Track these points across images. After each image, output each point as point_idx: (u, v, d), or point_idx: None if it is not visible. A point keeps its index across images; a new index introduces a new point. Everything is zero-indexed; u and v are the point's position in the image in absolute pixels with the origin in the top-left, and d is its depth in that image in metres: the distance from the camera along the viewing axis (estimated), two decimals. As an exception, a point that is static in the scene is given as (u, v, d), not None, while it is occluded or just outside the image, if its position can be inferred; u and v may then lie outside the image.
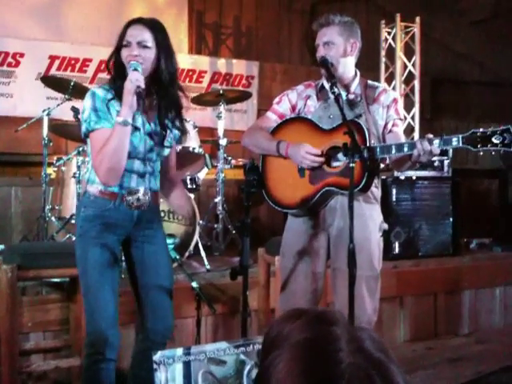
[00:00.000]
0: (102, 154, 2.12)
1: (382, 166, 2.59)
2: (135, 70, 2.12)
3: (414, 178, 4.52)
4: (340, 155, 2.39)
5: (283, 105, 2.60)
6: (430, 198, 4.55)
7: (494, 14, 6.90)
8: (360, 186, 2.31)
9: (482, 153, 2.19)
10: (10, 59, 5.12)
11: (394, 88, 5.45)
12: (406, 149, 2.27)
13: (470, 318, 4.51)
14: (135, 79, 2.09)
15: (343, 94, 2.51)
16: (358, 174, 2.27)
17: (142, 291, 2.36)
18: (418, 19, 5.46)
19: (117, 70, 2.23)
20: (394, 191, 4.41)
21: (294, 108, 2.59)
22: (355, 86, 2.54)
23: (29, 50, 5.19)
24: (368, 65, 6.54)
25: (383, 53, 5.50)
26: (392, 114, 2.52)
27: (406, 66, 5.51)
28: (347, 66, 2.52)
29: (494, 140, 2.14)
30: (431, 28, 6.58)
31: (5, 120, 5.01)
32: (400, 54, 5.45)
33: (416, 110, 5.48)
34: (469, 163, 7.15)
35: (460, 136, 2.19)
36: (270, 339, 0.84)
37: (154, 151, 2.29)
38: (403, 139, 2.51)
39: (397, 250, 4.40)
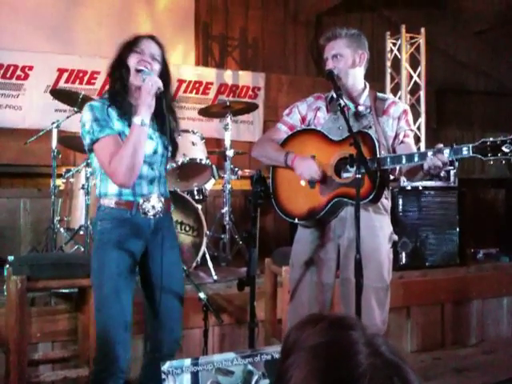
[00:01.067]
0: (119, 156, 2.14)
1: (392, 177, 2.60)
2: (148, 76, 2.20)
3: (420, 188, 4.53)
4: (350, 166, 2.38)
5: (293, 116, 2.62)
6: (436, 208, 4.56)
7: (497, 24, 6.92)
8: (370, 197, 2.32)
9: (492, 162, 2.19)
10: (19, 72, 5.18)
11: (399, 99, 5.47)
12: (416, 159, 2.28)
13: (477, 328, 4.50)
14: (155, 81, 2.17)
15: (352, 105, 2.54)
16: (368, 185, 2.29)
17: (152, 303, 2.36)
18: (423, 30, 5.49)
19: (118, 78, 2.27)
20: (400, 201, 4.42)
21: (304, 119, 2.60)
22: (364, 98, 2.55)
23: (37, 63, 5.24)
24: (373, 75, 6.54)
25: (389, 63, 5.53)
26: (403, 126, 2.54)
27: (411, 77, 5.53)
28: (356, 78, 2.55)
29: (504, 149, 2.15)
30: (435, 38, 6.61)
31: (14, 132, 5.05)
32: (405, 65, 5.48)
33: (422, 120, 5.50)
34: (475, 173, 7.15)
35: (470, 145, 2.20)
36: (289, 343, 0.85)
37: (157, 153, 2.31)
38: (415, 150, 2.52)
39: (403, 261, 4.40)
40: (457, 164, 4.68)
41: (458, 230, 4.57)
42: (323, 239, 2.51)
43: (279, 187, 2.60)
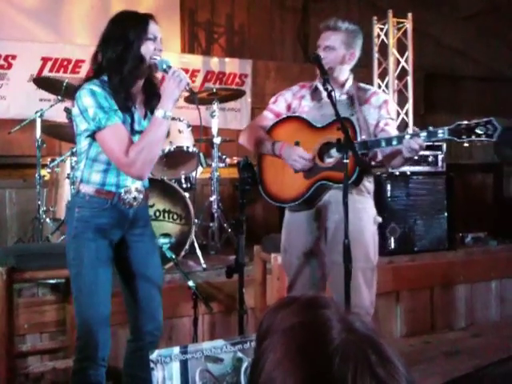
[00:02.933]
0: (139, 148, 2.09)
1: (373, 163, 2.67)
2: (169, 66, 2.14)
3: (408, 173, 4.53)
4: (333, 151, 2.49)
5: (279, 104, 2.70)
6: (424, 193, 4.56)
7: (486, 9, 6.91)
8: (352, 179, 2.39)
9: (466, 144, 2.34)
10: (1, 61, 5.10)
11: (387, 84, 5.46)
12: (394, 142, 2.37)
13: (467, 311, 4.53)
14: (184, 76, 2.13)
15: (336, 94, 2.54)
16: (350, 168, 2.35)
17: (132, 291, 2.34)
18: (410, 15, 5.46)
19: (126, 66, 2.13)
20: (388, 187, 4.42)
21: (289, 107, 2.68)
22: (347, 88, 2.64)
23: (21, 52, 5.16)
24: (361, 61, 6.57)
25: (376, 49, 5.50)
26: (383, 114, 2.62)
27: (398, 62, 5.51)
28: (342, 72, 2.63)
29: (478, 131, 2.26)
30: (424, 23, 6.59)
31: (-3, 122, 4.99)
32: (393, 50, 5.46)
33: (409, 105, 5.49)
34: (463, 158, 7.17)
35: (446, 128, 2.30)
36: (264, 327, 0.85)
37: None
38: None
39: (392, 246, 4.41)
40: (444, 148, 4.73)
41: (446, 214, 4.59)
42: (311, 222, 2.59)
43: (265, 172, 2.67)
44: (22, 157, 4.92)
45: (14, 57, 5.13)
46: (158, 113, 2.11)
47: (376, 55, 5.51)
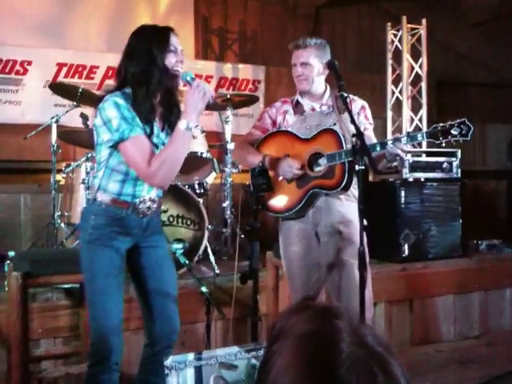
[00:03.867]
0: (161, 160, 2.12)
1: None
2: (192, 79, 2.16)
3: (422, 179, 4.51)
4: (321, 160, 2.63)
5: (265, 121, 2.87)
6: (438, 200, 4.53)
7: (496, 16, 6.88)
8: (342, 185, 2.57)
9: (444, 144, 2.48)
10: (17, 67, 5.14)
11: (400, 90, 5.45)
12: (378, 148, 2.50)
13: (480, 320, 4.48)
14: (209, 89, 2.14)
15: (317, 106, 2.78)
16: (338, 176, 2.58)
17: (147, 297, 2.37)
18: (424, 21, 5.46)
19: (150, 78, 2.15)
20: (402, 193, 4.40)
21: (274, 123, 2.84)
22: (327, 98, 2.79)
23: (36, 58, 5.20)
24: (373, 67, 6.58)
25: (390, 55, 5.50)
26: (362, 120, 2.76)
27: (412, 68, 5.50)
28: (319, 84, 2.78)
29: (453, 132, 2.44)
30: (435, 30, 6.58)
31: (13, 127, 5.01)
32: (407, 56, 5.45)
33: (423, 111, 5.47)
34: (476, 164, 7.13)
35: (423, 131, 2.55)
36: (276, 330, 0.86)
37: None
38: (375, 140, 2.70)
39: (406, 253, 4.38)
40: (459, 155, 4.71)
41: (460, 221, 4.55)
42: (303, 229, 2.75)
43: None
44: (37, 162, 4.95)
45: (29, 63, 5.18)
46: (182, 124, 2.12)
47: (390, 61, 5.50)
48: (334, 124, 2.65)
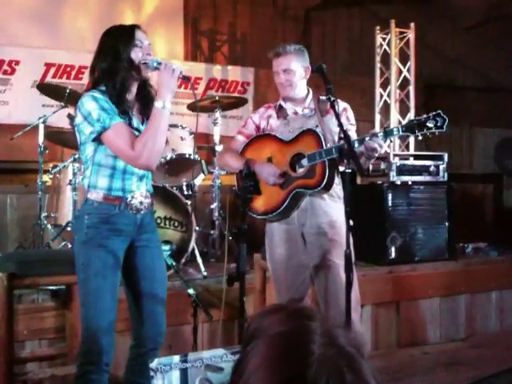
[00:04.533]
0: (144, 140, 2.18)
1: (341, 167, 2.79)
2: (159, 63, 2.24)
3: (409, 182, 4.54)
4: (303, 161, 2.67)
5: (249, 126, 2.91)
6: (425, 203, 4.57)
7: (486, 20, 6.93)
8: (323, 184, 2.60)
9: (420, 137, 2.55)
10: (5, 67, 5.11)
11: (389, 93, 5.47)
12: (356, 144, 2.55)
13: (466, 322, 4.51)
14: (177, 66, 2.23)
15: (300, 109, 2.83)
16: (319, 175, 2.62)
17: (137, 298, 2.37)
18: (412, 25, 5.49)
19: (119, 73, 2.23)
20: (389, 196, 4.42)
21: (258, 128, 2.89)
22: (309, 102, 2.84)
23: (24, 58, 5.18)
24: (363, 70, 6.61)
25: (378, 58, 5.52)
26: (344, 122, 2.77)
27: (401, 72, 5.53)
28: (302, 88, 2.83)
29: (429, 124, 2.48)
30: (424, 33, 6.62)
31: (0, 127, 4.99)
32: (395, 60, 5.47)
33: (411, 115, 5.49)
34: (464, 168, 7.18)
35: (399, 125, 2.59)
36: (250, 331, 0.86)
37: None
38: None
39: (393, 255, 4.41)
40: (446, 158, 4.74)
41: (447, 224, 4.59)
42: (288, 231, 2.77)
43: None
44: (24, 162, 4.91)
45: (17, 62, 5.15)
46: (158, 104, 2.21)
47: (378, 65, 5.53)
48: (316, 126, 2.69)
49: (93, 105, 2.19)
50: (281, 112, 2.86)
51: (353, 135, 2.80)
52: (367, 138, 2.52)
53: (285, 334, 0.81)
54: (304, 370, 0.74)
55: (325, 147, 2.60)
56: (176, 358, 1.80)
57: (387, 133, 2.55)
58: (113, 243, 2.24)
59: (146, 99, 2.36)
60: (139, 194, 2.29)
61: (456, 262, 4.65)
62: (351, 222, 2.74)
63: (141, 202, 2.29)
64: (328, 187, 2.66)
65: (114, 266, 2.25)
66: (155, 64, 2.25)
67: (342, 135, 2.44)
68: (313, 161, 2.61)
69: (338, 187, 2.76)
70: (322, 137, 2.62)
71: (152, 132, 2.19)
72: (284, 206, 2.70)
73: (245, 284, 2.26)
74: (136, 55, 2.25)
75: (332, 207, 2.73)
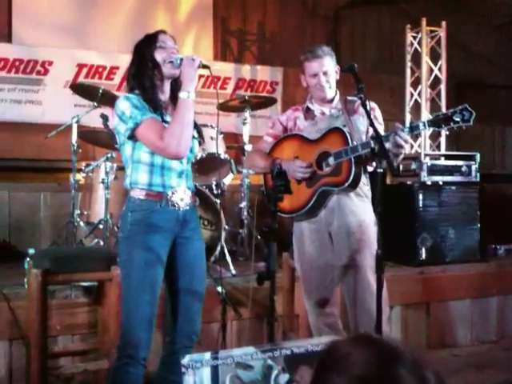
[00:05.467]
0: (171, 129, 2.24)
1: (369, 167, 2.79)
2: (181, 59, 2.31)
3: (440, 183, 4.49)
4: (330, 159, 2.66)
5: (276, 127, 2.93)
6: (457, 204, 4.51)
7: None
8: (348, 182, 2.59)
9: (447, 132, 2.54)
10: (38, 67, 5.22)
11: (419, 93, 5.42)
12: (371, 142, 2.51)
13: (497, 324, 4.44)
14: (196, 56, 2.30)
15: (327, 110, 2.84)
16: (345, 172, 2.61)
17: (175, 293, 2.41)
18: (443, 23, 5.42)
19: (146, 74, 2.33)
20: (420, 197, 4.38)
21: (285, 129, 2.91)
22: (336, 103, 2.84)
23: (57, 58, 5.28)
24: (392, 69, 6.55)
25: (409, 57, 5.47)
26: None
27: (431, 71, 5.47)
28: (334, 87, 2.84)
29: (456, 118, 2.45)
30: (455, 32, 6.53)
31: (34, 127, 5.09)
32: (426, 59, 5.42)
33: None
34: (496, 168, 7.07)
35: (425, 120, 2.56)
36: (332, 358, 0.82)
37: None
38: None
39: (423, 256, 4.37)
40: (478, 158, 4.67)
41: (478, 225, 4.53)
42: (315, 230, 2.76)
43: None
44: (57, 161, 5.01)
45: (50, 63, 5.25)
46: (182, 94, 2.27)
47: (409, 64, 5.47)
48: (344, 126, 2.68)
49: (126, 104, 2.28)
50: (308, 113, 2.87)
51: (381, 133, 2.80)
52: (393, 134, 2.50)
53: (375, 379, 0.77)
54: None
55: (351, 145, 2.60)
56: (207, 355, 1.82)
57: (413, 128, 2.53)
58: (154, 240, 2.29)
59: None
60: (180, 190, 2.34)
61: (488, 264, 4.58)
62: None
63: (181, 199, 2.34)
64: (354, 185, 2.64)
65: (156, 262, 2.29)
66: (178, 61, 2.32)
67: (374, 133, 2.42)
68: (339, 158, 2.60)
69: (365, 187, 2.75)
70: (348, 135, 2.61)
71: (178, 121, 2.25)
72: (310, 204, 2.70)
73: (275, 283, 2.26)
74: (160, 55, 2.34)
75: (359, 207, 2.72)
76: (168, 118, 2.35)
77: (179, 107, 2.28)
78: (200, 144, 2.56)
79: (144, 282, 2.27)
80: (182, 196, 2.35)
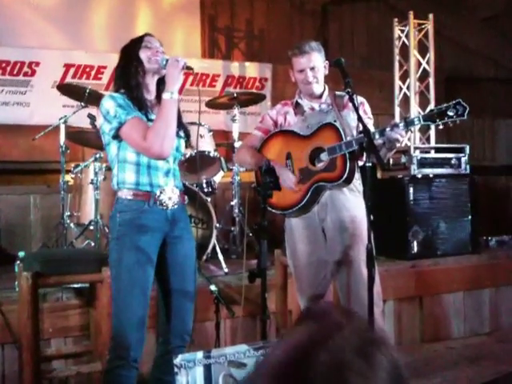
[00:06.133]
0: (154, 129, 2.25)
1: (360, 162, 2.79)
2: (167, 60, 2.33)
3: (431, 176, 4.49)
4: (323, 155, 2.68)
5: (266, 122, 2.92)
6: (447, 197, 4.52)
7: (506, 10, 6.83)
8: (343, 178, 2.61)
9: (441, 126, 2.56)
10: (25, 68, 5.17)
11: (408, 86, 5.42)
12: (377, 136, 2.56)
13: (491, 316, 4.46)
14: (181, 58, 2.32)
15: (316, 105, 2.84)
16: (340, 167, 2.62)
17: (166, 293, 2.41)
18: (431, 16, 5.42)
19: (131, 73, 2.35)
20: (411, 190, 4.38)
21: (275, 124, 2.90)
22: (325, 97, 2.85)
23: (44, 59, 5.24)
24: (381, 64, 6.56)
25: (397, 51, 5.47)
26: (361, 115, 2.75)
27: (420, 64, 5.47)
28: (322, 83, 2.84)
29: (450, 113, 2.49)
30: (443, 25, 6.54)
31: (22, 128, 5.05)
32: (414, 52, 5.41)
33: (432, 107, 5.43)
34: (486, 160, 7.09)
35: (420, 115, 2.59)
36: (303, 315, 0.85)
37: None
38: None
39: (415, 250, 4.37)
40: (467, 151, 4.68)
41: (469, 217, 4.53)
42: (310, 225, 2.76)
43: None
44: (46, 162, 4.98)
45: (37, 64, 5.21)
46: (165, 95, 2.29)
47: (397, 57, 5.47)
48: (335, 121, 2.69)
49: (110, 103, 2.29)
50: (298, 108, 2.87)
51: (370, 129, 2.78)
52: (388, 129, 2.51)
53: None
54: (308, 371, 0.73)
55: (344, 140, 2.60)
56: (199, 354, 1.81)
57: (408, 123, 2.54)
58: (144, 240, 2.29)
59: None
60: (168, 189, 2.34)
61: (480, 256, 4.59)
62: (371, 217, 2.76)
63: (170, 198, 2.34)
64: (349, 180, 2.66)
65: (146, 262, 2.29)
66: (164, 62, 2.34)
67: (362, 128, 2.43)
68: (333, 154, 2.61)
69: (357, 181, 2.75)
70: (341, 130, 2.62)
71: (162, 121, 2.26)
72: (305, 200, 2.70)
73: (266, 281, 2.25)
74: (145, 54, 2.37)
75: (352, 202, 2.72)
76: (153, 117, 2.35)
77: (162, 107, 2.29)
78: (187, 143, 2.55)
79: (134, 283, 2.26)
80: (170, 195, 2.34)
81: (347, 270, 2.69)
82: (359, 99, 2.84)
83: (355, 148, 2.57)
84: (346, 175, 2.61)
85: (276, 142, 2.83)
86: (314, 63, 2.76)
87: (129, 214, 2.30)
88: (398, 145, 2.59)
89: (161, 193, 2.32)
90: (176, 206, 2.36)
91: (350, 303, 2.73)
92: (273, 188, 2.28)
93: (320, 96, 2.84)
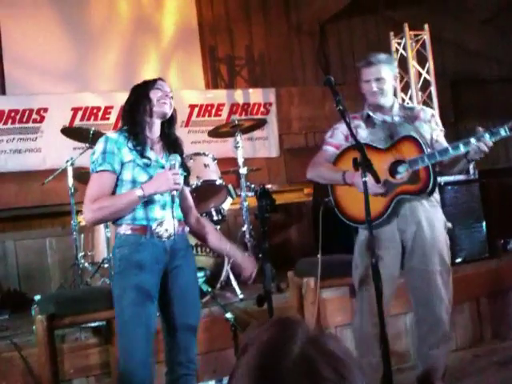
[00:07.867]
0: (104, 204, 2.28)
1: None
2: (174, 166, 2.32)
3: (441, 183, 4.46)
4: (400, 167, 2.73)
5: (336, 137, 2.93)
6: (459, 203, 4.48)
7: (504, 9, 6.81)
8: (429, 189, 2.67)
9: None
10: (34, 115, 5.28)
11: (410, 96, 5.43)
12: (461, 147, 2.55)
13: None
14: (178, 178, 2.29)
15: (388, 118, 2.85)
16: (423, 179, 2.66)
17: (168, 323, 2.42)
18: (426, 26, 5.45)
19: (139, 111, 2.39)
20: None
21: (347, 138, 2.86)
22: (396, 110, 2.87)
23: (52, 104, 5.35)
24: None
25: (396, 64, 5.49)
26: (434, 127, 2.84)
27: (420, 74, 5.48)
28: (390, 95, 2.87)
29: None
30: (443, 30, 6.54)
31: (35, 174, 5.12)
32: (413, 63, 5.44)
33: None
34: (500, 162, 7.00)
35: (505, 126, 2.51)
36: (242, 346, 0.88)
37: None
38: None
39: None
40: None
41: (484, 222, 4.48)
42: (391, 238, 2.78)
43: (340, 198, 2.89)
44: (59, 205, 5.04)
45: (45, 109, 5.32)
46: (138, 191, 2.27)
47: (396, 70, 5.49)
48: (413, 134, 2.73)
49: (100, 146, 2.35)
50: (368, 121, 2.89)
51: (443, 139, 2.85)
52: (473, 140, 2.51)
53: (266, 341, 0.82)
54: (280, 365, 0.76)
55: (426, 152, 2.63)
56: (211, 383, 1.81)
57: (493, 133, 2.51)
58: (144, 279, 2.30)
59: (169, 138, 2.50)
60: (165, 221, 2.35)
61: (498, 259, 4.53)
62: (449, 225, 2.93)
63: (166, 230, 2.35)
64: (433, 191, 2.71)
65: (145, 299, 2.30)
66: (172, 162, 2.34)
67: (355, 143, 2.46)
68: (415, 166, 2.64)
69: (436, 191, 2.80)
70: (421, 142, 2.65)
71: (113, 204, 2.29)
72: (388, 212, 2.73)
73: (272, 304, 2.26)
74: (154, 94, 2.41)
75: (431, 212, 2.77)
76: (149, 154, 2.38)
77: (126, 196, 2.30)
78: (186, 179, 2.57)
79: (136, 318, 2.27)
80: (166, 227, 2.36)
81: (422, 280, 2.74)
82: (430, 111, 2.92)
83: (438, 160, 2.61)
84: (430, 187, 2.66)
85: (351, 156, 2.67)
86: (380, 75, 2.79)
87: (127, 249, 2.33)
88: (482, 156, 2.54)
89: (158, 225, 2.34)
90: (173, 238, 2.37)
91: (424, 314, 2.78)
92: (269, 210, 2.30)
93: (390, 108, 2.86)
